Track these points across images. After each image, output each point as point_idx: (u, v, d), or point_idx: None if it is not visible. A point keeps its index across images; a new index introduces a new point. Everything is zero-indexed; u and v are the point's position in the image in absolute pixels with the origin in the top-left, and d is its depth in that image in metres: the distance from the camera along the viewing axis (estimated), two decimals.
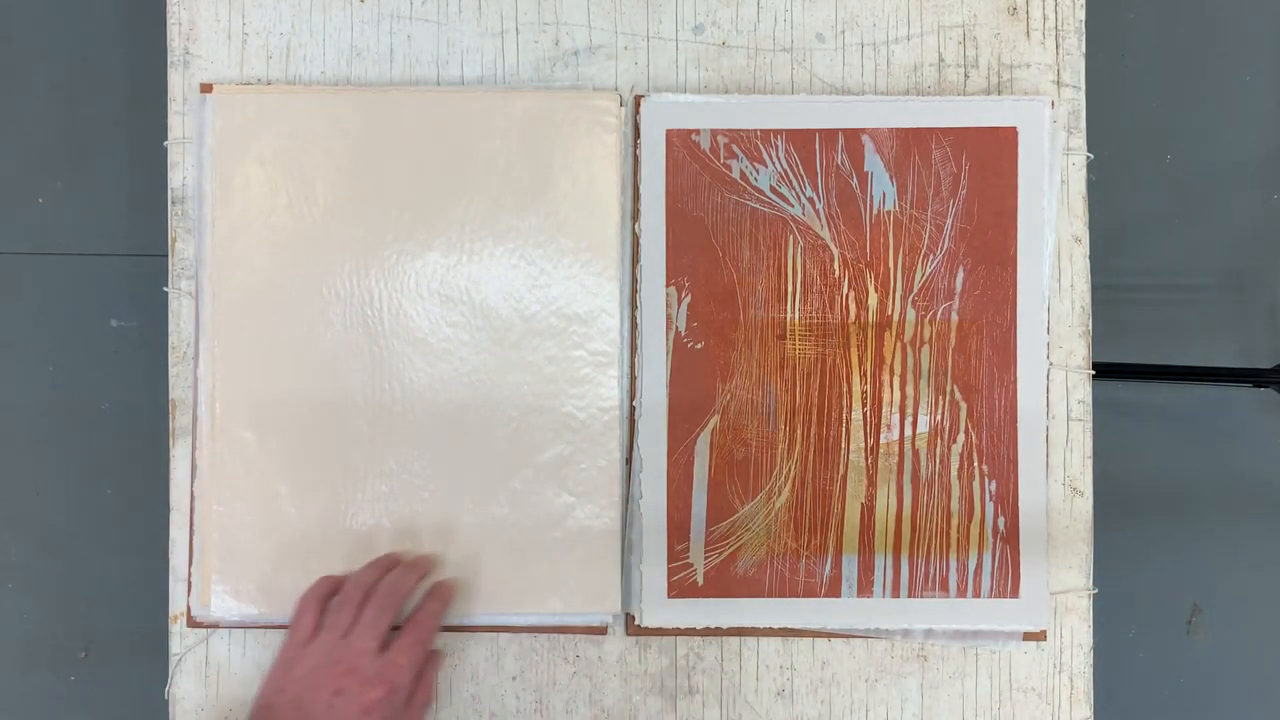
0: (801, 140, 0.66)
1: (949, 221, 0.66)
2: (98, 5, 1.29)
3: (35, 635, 1.26)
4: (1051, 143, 0.67)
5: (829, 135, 0.66)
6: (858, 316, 0.66)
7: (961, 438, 0.66)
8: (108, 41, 1.29)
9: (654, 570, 0.66)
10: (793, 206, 0.66)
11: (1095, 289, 0.68)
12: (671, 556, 0.66)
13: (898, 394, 0.66)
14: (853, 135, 0.66)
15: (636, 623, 0.66)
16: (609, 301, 0.66)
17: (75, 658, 1.26)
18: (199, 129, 0.66)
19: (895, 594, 0.66)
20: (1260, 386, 1.25)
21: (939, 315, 0.66)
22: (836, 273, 0.66)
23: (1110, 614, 1.20)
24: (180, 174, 0.68)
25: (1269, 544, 1.28)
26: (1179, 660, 1.23)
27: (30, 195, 1.28)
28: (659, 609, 0.65)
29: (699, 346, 0.66)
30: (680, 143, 0.66)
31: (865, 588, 0.66)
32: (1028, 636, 0.66)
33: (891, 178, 0.66)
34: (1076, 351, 0.67)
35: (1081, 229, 0.68)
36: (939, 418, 0.66)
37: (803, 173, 0.66)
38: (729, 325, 0.66)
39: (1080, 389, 0.67)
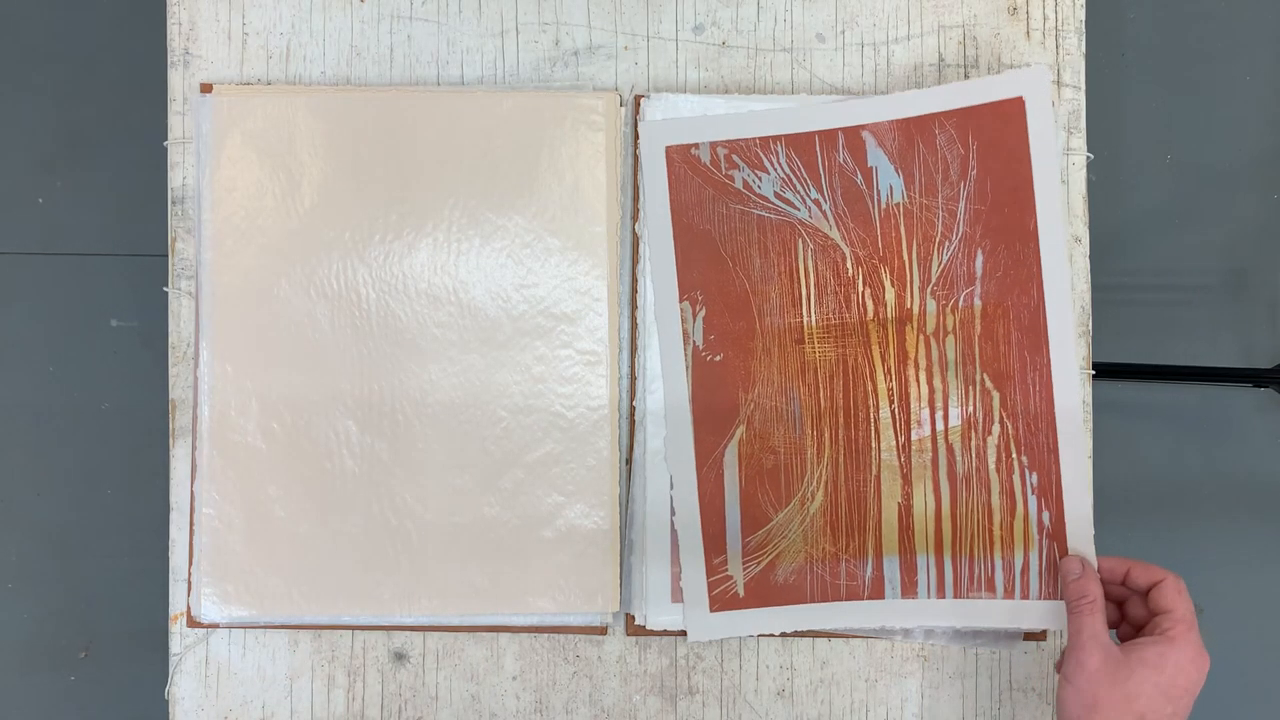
0: (801, 144, 0.66)
1: (961, 204, 0.65)
2: (98, 5, 1.29)
3: (35, 635, 1.26)
4: (1056, 114, 0.65)
5: (828, 135, 0.66)
6: (876, 313, 0.65)
7: (996, 428, 0.64)
8: (108, 41, 1.29)
9: (695, 586, 0.64)
10: (799, 210, 0.66)
11: (1095, 289, 0.68)
12: (710, 570, 0.64)
13: (925, 388, 0.65)
14: (852, 133, 0.66)
15: (636, 623, 0.66)
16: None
17: (75, 658, 1.26)
18: (199, 129, 0.66)
19: (940, 594, 0.64)
20: (1260, 386, 1.25)
21: (961, 303, 0.65)
22: (850, 271, 0.65)
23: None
24: (180, 174, 0.68)
25: (1269, 544, 1.28)
26: None
27: (30, 195, 1.28)
28: (704, 624, 0.64)
29: (718, 359, 0.65)
30: (680, 158, 0.66)
31: (909, 588, 0.64)
32: (1028, 636, 0.66)
33: (897, 169, 0.65)
34: (1077, 351, 0.67)
35: (1081, 229, 0.68)
36: (971, 409, 0.64)
37: (805, 175, 0.66)
38: (746, 335, 0.66)
39: (1081, 389, 0.67)
